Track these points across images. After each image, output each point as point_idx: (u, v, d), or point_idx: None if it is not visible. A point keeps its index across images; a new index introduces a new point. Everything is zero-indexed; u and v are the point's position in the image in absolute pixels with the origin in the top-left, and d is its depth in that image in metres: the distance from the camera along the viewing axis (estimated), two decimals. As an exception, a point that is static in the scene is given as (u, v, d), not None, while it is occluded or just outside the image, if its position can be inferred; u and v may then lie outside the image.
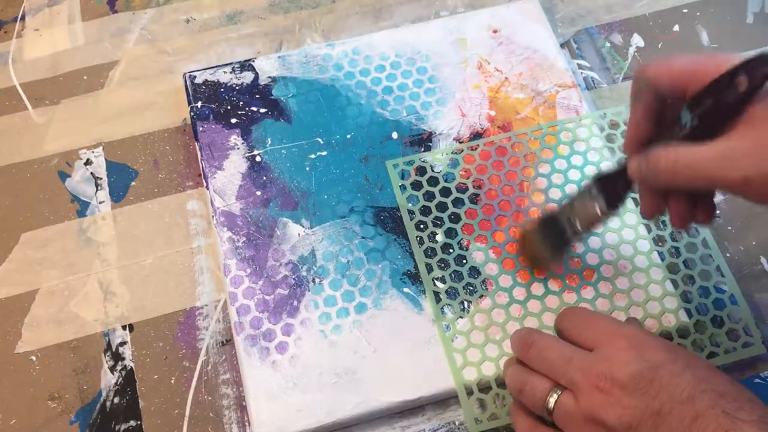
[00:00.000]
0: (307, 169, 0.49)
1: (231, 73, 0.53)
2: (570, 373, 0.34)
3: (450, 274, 0.46)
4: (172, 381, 0.44)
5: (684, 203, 0.36)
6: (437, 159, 0.50)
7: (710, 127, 0.32)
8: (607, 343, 0.34)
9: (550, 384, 0.35)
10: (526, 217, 0.47)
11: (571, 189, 0.48)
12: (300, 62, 0.53)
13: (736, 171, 0.30)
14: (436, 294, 0.45)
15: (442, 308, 0.45)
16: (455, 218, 0.47)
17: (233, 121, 0.51)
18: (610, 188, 0.39)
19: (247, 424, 0.43)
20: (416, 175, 0.49)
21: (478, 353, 0.43)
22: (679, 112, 0.34)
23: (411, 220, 0.47)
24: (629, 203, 0.48)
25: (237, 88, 0.52)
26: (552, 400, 0.35)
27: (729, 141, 0.31)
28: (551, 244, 0.43)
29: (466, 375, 0.42)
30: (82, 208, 0.50)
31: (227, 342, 0.45)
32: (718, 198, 0.50)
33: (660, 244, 0.47)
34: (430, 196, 0.48)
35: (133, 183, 0.51)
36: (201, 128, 0.51)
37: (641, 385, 0.32)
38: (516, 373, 0.38)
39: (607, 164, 0.49)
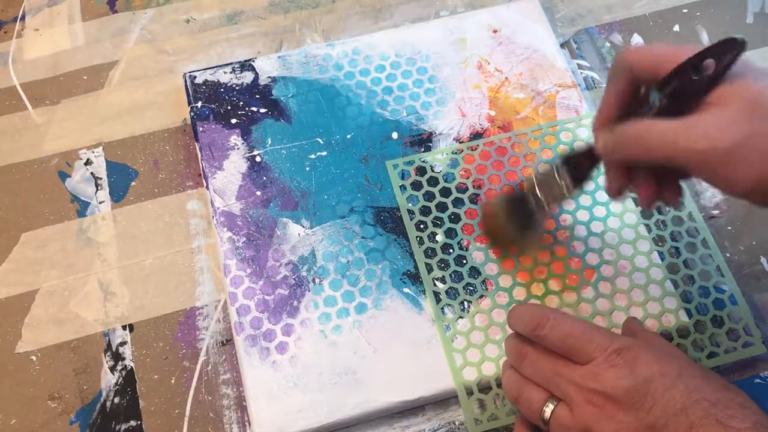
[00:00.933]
0: (307, 169, 0.49)
1: (231, 73, 0.53)
2: (563, 386, 0.35)
3: (450, 275, 0.46)
4: (172, 381, 0.44)
5: (650, 183, 0.37)
6: (437, 159, 0.50)
7: (677, 107, 0.33)
8: (598, 357, 0.34)
9: (545, 395, 0.36)
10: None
11: None
12: (300, 62, 0.53)
13: (696, 144, 0.31)
14: (436, 294, 0.45)
15: (442, 308, 0.45)
16: (455, 218, 0.47)
17: (233, 121, 0.51)
18: (577, 165, 0.39)
19: (247, 424, 0.43)
20: (416, 175, 0.49)
21: (478, 353, 0.43)
22: (648, 94, 0.34)
23: (411, 220, 0.47)
24: (629, 203, 0.48)
25: (237, 88, 0.52)
26: (548, 411, 0.35)
27: (694, 117, 0.32)
28: (516, 218, 0.43)
29: (466, 375, 0.43)
30: (82, 208, 0.50)
31: (227, 342, 0.45)
32: (719, 198, 0.50)
33: (660, 244, 0.47)
34: (430, 196, 0.48)
35: (133, 183, 0.51)
36: (201, 128, 0.51)
37: (635, 399, 0.32)
38: (512, 381, 0.38)
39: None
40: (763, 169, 0.30)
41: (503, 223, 0.44)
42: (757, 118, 0.30)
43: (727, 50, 0.31)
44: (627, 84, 0.36)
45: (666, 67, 0.33)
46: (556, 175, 0.40)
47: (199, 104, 0.51)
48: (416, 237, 0.47)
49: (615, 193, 0.38)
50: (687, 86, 0.32)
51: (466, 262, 0.46)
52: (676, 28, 0.57)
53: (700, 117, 0.32)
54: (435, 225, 0.47)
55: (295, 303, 0.45)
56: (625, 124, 0.34)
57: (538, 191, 0.41)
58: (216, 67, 0.53)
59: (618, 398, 0.33)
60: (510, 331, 0.39)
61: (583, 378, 0.34)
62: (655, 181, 0.37)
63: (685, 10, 0.58)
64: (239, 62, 0.53)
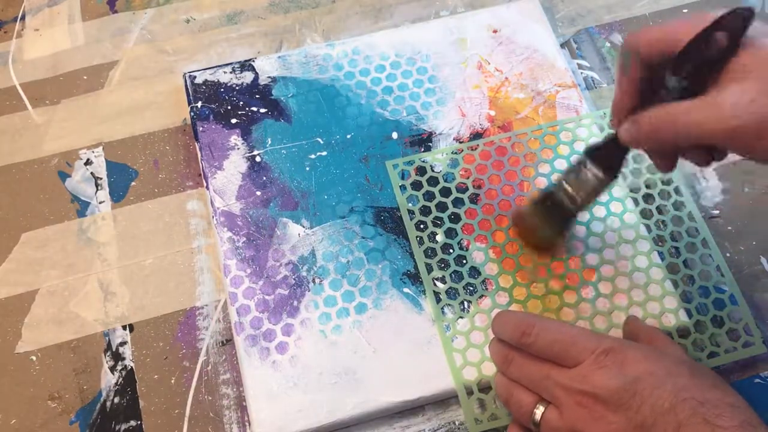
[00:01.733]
0: (307, 169, 0.49)
1: (231, 73, 0.53)
2: (551, 389, 0.35)
3: (450, 275, 0.46)
4: (172, 381, 0.44)
5: (698, 150, 0.37)
6: (437, 159, 0.50)
7: (696, 86, 0.33)
8: (586, 359, 0.34)
9: (534, 398, 0.36)
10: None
11: None
12: (300, 62, 0.53)
13: (727, 123, 0.31)
14: (436, 294, 0.45)
15: (442, 308, 0.45)
16: (455, 218, 0.47)
17: (233, 121, 0.51)
18: (603, 158, 0.39)
19: (247, 424, 0.43)
20: (416, 175, 0.49)
21: (478, 353, 0.43)
22: (664, 78, 0.34)
23: (411, 220, 0.47)
24: (629, 203, 0.48)
25: (237, 88, 0.52)
26: (538, 414, 0.35)
27: (716, 93, 0.31)
28: (553, 221, 0.43)
29: (466, 375, 0.43)
30: (82, 208, 0.50)
31: (227, 342, 0.45)
32: (719, 198, 0.50)
33: (660, 244, 0.47)
34: (430, 196, 0.48)
35: (133, 183, 0.51)
36: (201, 128, 0.51)
37: (624, 399, 0.32)
38: (502, 383, 0.38)
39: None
40: None
41: (539, 228, 0.44)
42: None
43: (736, 20, 0.31)
44: (639, 70, 0.35)
45: (675, 45, 0.33)
46: (585, 168, 0.39)
47: (199, 104, 0.51)
48: (416, 237, 0.47)
49: (667, 170, 0.38)
50: (701, 62, 0.32)
51: (466, 262, 0.46)
52: (676, 28, 0.57)
53: (724, 93, 0.31)
54: (435, 225, 0.47)
55: (295, 303, 0.45)
56: (648, 111, 0.34)
57: (568, 187, 0.40)
58: (216, 67, 0.53)
59: (607, 399, 0.33)
60: (491, 336, 0.39)
61: (571, 380, 0.34)
62: (700, 152, 0.37)
63: (685, 10, 0.58)
64: (239, 62, 0.53)
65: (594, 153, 0.39)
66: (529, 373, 0.36)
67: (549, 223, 0.43)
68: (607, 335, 0.36)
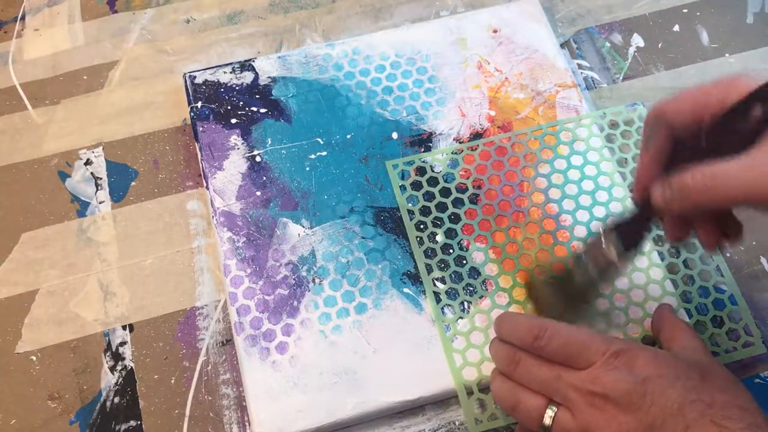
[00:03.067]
0: (307, 169, 0.49)
1: (231, 73, 0.53)
2: (563, 391, 0.35)
3: (450, 275, 0.46)
4: (172, 381, 0.44)
5: (711, 225, 0.36)
6: (437, 159, 0.50)
7: (727, 149, 0.31)
8: (597, 360, 0.34)
9: (544, 401, 0.36)
10: (526, 217, 0.47)
11: (571, 189, 0.48)
12: (300, 62, 0.53)
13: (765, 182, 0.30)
14: (436, 294, 0.45)
15: (442, 309, 0.45)
16: (455, 218, 0.47)
17: (233, 121, 0.51)
18: (627, 230, 0.38)
19: (247, 424, 0.43)
20: (416, 175, 0.49)
21: (478, 354, 0.43)
22: (693, 143, 0.33)
23: (411, 220, 0.47)
24: (628, 203, 0.48)
25: (237, 88, 0.52)
26: (549, 416, 0.35)
27: (759, 153, 0.31)
28: (565, 296, 0.41)
29: (465, 375, 0.43)
30: (82, 208, 0.50)
31: (227, 342, 0.45)
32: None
33: (660, 244, 0.47)
34: (430, 196, 0.48)
35: (133, 183, 0.51)
36: (201, 128, 0.51)
37: (634, 400, 0.33)
38: (505, 390, 0.37)
39: (607, 164, 0.49)
40: None
41: (549, 301, 0.43)
42: None
43: None
44: (667, 140, 0.35)
45: (706, 114, 0.32)
46: (603, 242, 0.38)
47: (199, 104, 0.51)
48: (416, 237, 0.47)
49: (677, 240, 0.38)
50: (735, 133, 0.31)
51: (466, 263, 0.46)
52: (676, 28, 0.57)
53: (765, 153, 0.30)
54: (435, 225, 0.47)
55: (295, 303, 0.45)
56: (685, 173, 0.32)
57: (585, 259, 0.39)
58: (216, 67, 0.53)
59: (618, 399, 0.33)
60: (492, 336, 0.39)
61: (583, 381, 0.34)
62: (714, 221, 0.36)
63: (685, 10, 0.58)
64: (239, 62, 0.53)
65: (617, 226, 0.38)
66: (540, 374, 0.36)
67: (559, 295, 0.42)
68: (618, 338, 0.36)
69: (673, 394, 0.32)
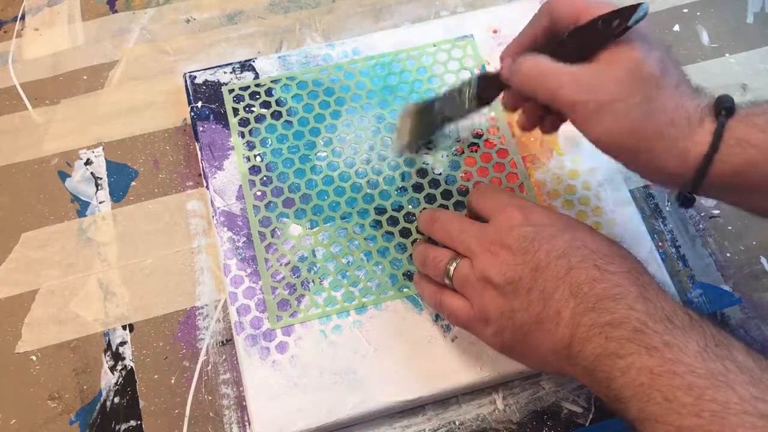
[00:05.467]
0: (308, 169, 0.49)
1: (231, 73, 0.53)
2: (467, 242, 0.38)
3: (450, 274, 0.46)
4: (172, 381, 0.44)
5: (534, 111, 0.41)
6: (438, 161, 0.50)
7: (575, 54, 0.35)
8: (500, 212, 0.38)
9: (450, 254, 0.39)
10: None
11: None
12: (300, 62, 0.53)
13: (577, 95, 0.34)
14: (436, 294, 0.45)
15: (442, 308, 0.45)
16: (455, 218, 0.47)
17: (233, 121, 0.51)
18: (486, 85, 0.42)
19: (247, 424, 0.43)
20: (417, 176, 0.49)
21: (478, 353, 0.43)
22: (559, 41, 0.37)
23: (411, 221, 0.47)
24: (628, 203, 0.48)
25: (237, 88, 0.52)
26: (452, 267, 0.39)
27: (582, 67, 0.35)
28: (418, 127, 0.47)
29: (466, 375, 0.42)
30: (82, 208, 0.50)
31: (227, 342, 0.46)
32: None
33: (660, 244, 0.47)
34: (430, 198, 0.48)
35: (133, 183, 0.51)
36: (201, 128, 0.51)
37: (524, 245, 0.36)
38: (420, 248, 0.42)
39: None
40: (623, 126, 0.33)
41: (409, 127, 0.47)
42: (633, 82, 0.33)
43: (632, 15, 0.33)
44: (544, 27, 0.38)
45: (582, 19, 0.36)
46: (465, 92, 0.43)
47: (199, 104, 0.51)
48: (416, 238, 0.47)
49: (509, 109, 0.42)
50: (592, 38, 0.35)
51: (466, 262, 0.46)
52: (676, 28, 0.57)
53: (588, 69, 0.35)
54: (435, 225, 0.47)
55: (296, 303, 0.45)
56: (528, 58, 0.37)
57: (440, 102, 0.45)
58: (216, 67, 0.53)
59: (511, 245, 0.36)
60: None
61: (484, 231, 0.38)
62: (541, 110, 0.40)
63: (685, 10, 0.58)
64: (239, 62, 0.53)
65: (482, 78, 0.42)
66: (451, 228, 0.40)
67: (414, 126, 0.47)
68: (520, 196, 0.42)
69: (559, 241, 0.35)
